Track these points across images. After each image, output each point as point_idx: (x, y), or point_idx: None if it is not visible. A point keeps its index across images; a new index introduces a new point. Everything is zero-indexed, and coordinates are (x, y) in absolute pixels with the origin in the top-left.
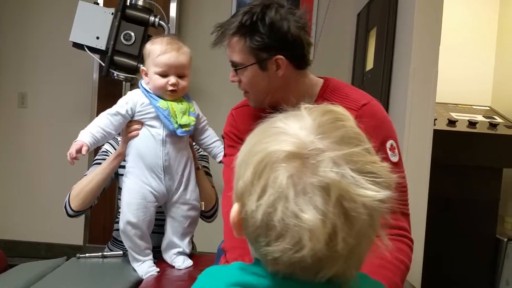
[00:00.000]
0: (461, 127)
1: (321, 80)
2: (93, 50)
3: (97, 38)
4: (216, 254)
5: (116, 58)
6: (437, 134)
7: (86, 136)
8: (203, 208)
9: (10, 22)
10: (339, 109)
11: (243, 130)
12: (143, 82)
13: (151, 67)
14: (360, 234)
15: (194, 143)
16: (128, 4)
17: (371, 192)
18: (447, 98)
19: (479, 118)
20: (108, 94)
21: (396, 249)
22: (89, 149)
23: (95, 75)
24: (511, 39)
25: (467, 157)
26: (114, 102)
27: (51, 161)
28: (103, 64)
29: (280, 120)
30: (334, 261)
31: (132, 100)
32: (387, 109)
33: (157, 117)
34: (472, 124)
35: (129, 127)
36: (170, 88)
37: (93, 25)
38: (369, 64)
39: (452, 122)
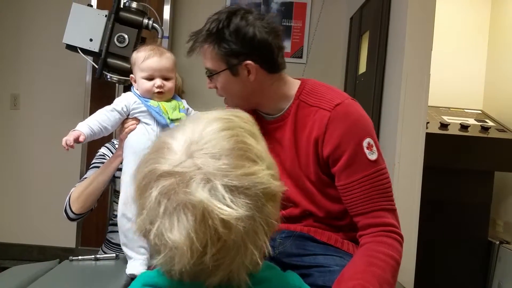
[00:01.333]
0: (453, 130)
1: (298, 82)
2: (86, 52)
3: (91, 40)
4: None
5: (110, 60)
6: (429, 137)
7: (84, 127)
8: None
9: (3, 24)
10: (237, 113)
11: None
12: (134, 88)
13: (138, 73)
14: (235, 247)
15: None
16: (121, 6)
17: (235, 212)
18: (439, 101)
19: (471, 121)
20: (101, 96)
21: (386, 245)
22: (85, 139)
23: (88, 77)
24: (502, 43)
25: (459, 160)
26: (108, 104)
27: (43, 163)
28: (97, 66)
29: (171, 133)
30: (213, 272)
31: (126, 99)
32: (379, 113)
33: (150, 114)
34: (464, 127)
35: (125, 124)
36: (157, 90)
37: (86, 27)
38: (362, 68)
39: (444, 126)
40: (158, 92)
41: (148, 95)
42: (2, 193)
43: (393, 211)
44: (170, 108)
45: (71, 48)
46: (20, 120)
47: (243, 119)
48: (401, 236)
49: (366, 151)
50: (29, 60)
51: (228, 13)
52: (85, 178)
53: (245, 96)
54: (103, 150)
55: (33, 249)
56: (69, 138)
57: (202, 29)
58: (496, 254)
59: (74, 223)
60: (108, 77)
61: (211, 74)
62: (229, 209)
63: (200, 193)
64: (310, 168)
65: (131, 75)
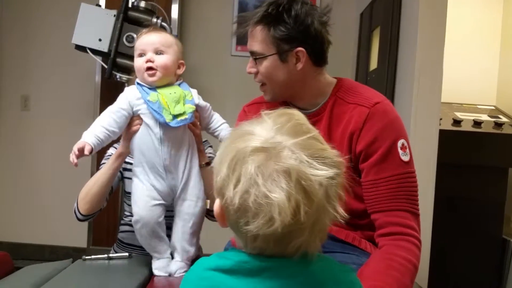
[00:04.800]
0: (466, 126)
1: (335, 80)
2: (95, 52)
3: (100, 40)
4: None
5: (119, 60)
6: (442, 134)
7: (89, 137)
8: (208, 207)
9: (13, 25)
10: (292, 111)
11: None
12: (137, 79)
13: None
14: (319, 207)
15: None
16: (130, 6)
17: (322, 172)
18: (452, 98)
19: (484, 117)
20: (111, 96)
21: (404, 249)
22: (92, 149)
23: (98, 77)
24: None
25: (473, 157)
26: None
27: (54, 164)
28: (106, 66)
29: (246, 125)
30: (301, 232)
31: (128, 95)
32: None
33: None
34: (477, 123)
35: (130, 123)
36: (146, 65)
37: (95, 27)
38: (373, 64)
39: (457, 122)
40: (148, 68)
41: (141, 76)
42: (14, 194)
43: (416, 215)
44: (172, 101)
45: (80, 48)
46: (31, 121)
47: (300, 115)
48: (420, 241)
49: (400, 151)
50: (38, 61)
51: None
52: None
53: (287, 84)
54: (111, 150)
55: (45, 249)
56: (74, 149)
57: (257, 10)
58: (511, 251)
59: (85, 223)
60: (118, 77)
61: (258, 57)
62: (318, 171)
63: (291, 161)
64: None
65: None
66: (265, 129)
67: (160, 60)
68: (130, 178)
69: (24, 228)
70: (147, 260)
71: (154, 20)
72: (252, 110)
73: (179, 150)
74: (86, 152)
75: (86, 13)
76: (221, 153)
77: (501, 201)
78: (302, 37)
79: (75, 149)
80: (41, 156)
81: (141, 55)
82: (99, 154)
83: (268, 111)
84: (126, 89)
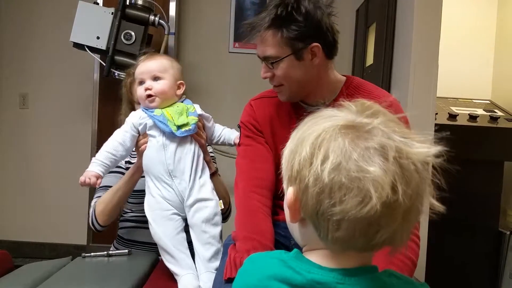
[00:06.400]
0: (462, 121)
1: (344, 77)
2: (93, 50)
3: (98, 38)
4: (223, 248)
5: (117, 57)
6: (438, 128)
7: (96, 167)
8: (222, 207)
9: (10, 23)
10: (369, 101)
11: (262, 121)
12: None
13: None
14: (415, 191)
15: (208, 144)
16: (128, 3)
17: (423, 150)
18: (447, 92)
19: (480, 111)
20: (110, 94)
21: (405, 247)
22: (100, 177)
23: (96, 75)
24: (510, 33)
25: (468, 151)
26: (116, 102)
27: (53, 162)
28: (104, 64)
29: (327, 111)
30: (393, 218)
31: (132, 116)
32: None
33: (155, 126)
34: (472, 118)
35: (138, 141)
36: (145, 93)
37: (93, 25)
38: (369, 60)
39: (452, 116)
40: (148, 96)
41: (143, 102)
42: (12, 192)
43: None
44: (175, 114)
45: (79, 46)
46: (29, 119)
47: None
48: (419, 239)
49: None
50: (37, 59)
51: None
52: (104, 187)
53: (305, 81)
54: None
55: (45, 246)
56: (84, 180)
57: (263, 15)
58: (507, 244)
59: (85, 220)
60: (116, 74)
61: (273, 61)
62: (417, 149)
63: (384, 139)
64: None
65: None
66: (350, 112)
67: (158, 87)
68: None
69: (23, 226)
70: (147, 256)
71: (152, 17)
72: (259, 105)
73: (183, 156)
74: (96, 185)
75: (84, 11)
76: (297, 137)
77: (497, 194)
78: (315, 32)
79: (83, 180)
80: (40, 154)
81: (141, 83)
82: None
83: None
84: (131, 113)
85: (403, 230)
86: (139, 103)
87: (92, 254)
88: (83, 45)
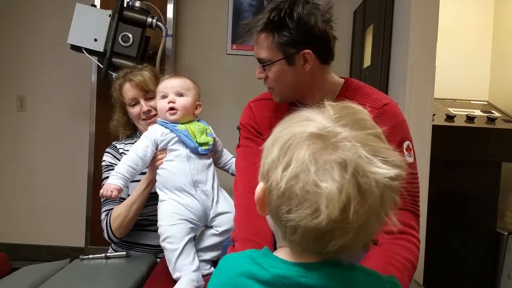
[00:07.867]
0: (459, 122)
1: (342, 80)
2: (91, 52)
3: (95, 40)
4: (222, 249)
5: (114, 59)
6: (436, 129)
7: (117, 180)
8: None
9: (8, 25)
10: (356, 105)
11: (261, 123)
12: (159, 119)
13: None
14: (371, 210)
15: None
16: (125, 5)
17: (382, 170)
18: (444, 93)
19: (477, 112)
20: (107, 96)
21: (405, 249)
22: (121, 191)
23: (94, 77)
24: (507, 34)
25: (466, 151)
26: (113, 104)
27: (50, 164)
28: (102, 66)
29: (306, 111)
30: (345, 232)
31: (153, 132)
32: None
33: (179, 141)
34: (470, 119)
35: (155, 156)
36: (168, 106)
37: (90, 27)
38: (367, 62)
39: (450, 117)
40: (170, 109)
41: (164, 115)
42: (9, 194)
43: (417, 215)
44: (198, 132)
45: (76, 48)
46: (27, 121)
47: (364, 111)
48: (419, 241)
49: (405, 152)
50: (34, 62)
51: (290, 2)
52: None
53: (297, 86)
54: (107, 159)
55: (43, 249)
56: (105, 193)
57: (259, 18)
58: (505, 245)
59: (83, 223)
60: (114, 76)
61: (265, 64)
62: (378, 169)
63: (349, 154)
64: None
65: None
66: (325, 117)
67: (181, 102)
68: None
69: (21, 229)
70: (145, 258)
71: (149, 19)
72: (258, 107)
73: (204, 169)
74: (116, 198)
75: (81, 13)
76: (274, 136)
77: (495, 195)
78: (307, 39)
79: (106, 192)
80: (38, 157)
81: (163, 97)
82: (97, 155)
83: (331, 102)
84: (150, 128)
85: (359, 241)
86: (131, 105)
87: (90, 256)
88: (81, 47)
